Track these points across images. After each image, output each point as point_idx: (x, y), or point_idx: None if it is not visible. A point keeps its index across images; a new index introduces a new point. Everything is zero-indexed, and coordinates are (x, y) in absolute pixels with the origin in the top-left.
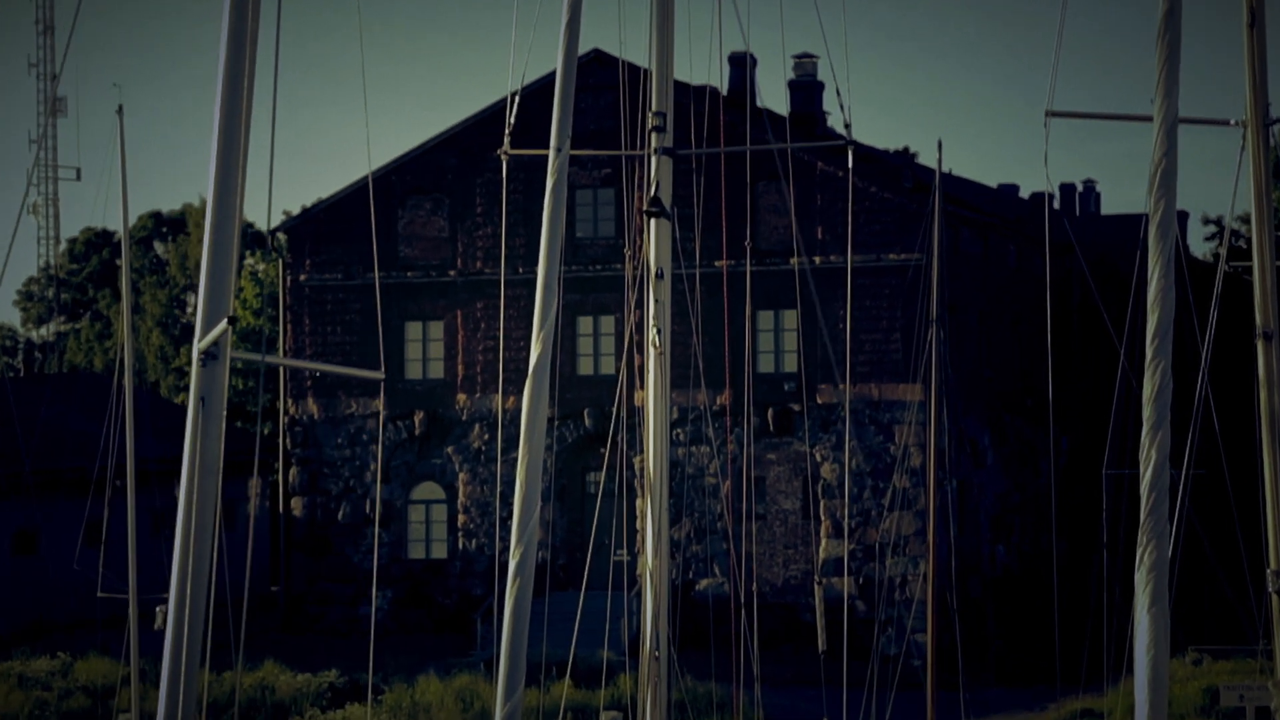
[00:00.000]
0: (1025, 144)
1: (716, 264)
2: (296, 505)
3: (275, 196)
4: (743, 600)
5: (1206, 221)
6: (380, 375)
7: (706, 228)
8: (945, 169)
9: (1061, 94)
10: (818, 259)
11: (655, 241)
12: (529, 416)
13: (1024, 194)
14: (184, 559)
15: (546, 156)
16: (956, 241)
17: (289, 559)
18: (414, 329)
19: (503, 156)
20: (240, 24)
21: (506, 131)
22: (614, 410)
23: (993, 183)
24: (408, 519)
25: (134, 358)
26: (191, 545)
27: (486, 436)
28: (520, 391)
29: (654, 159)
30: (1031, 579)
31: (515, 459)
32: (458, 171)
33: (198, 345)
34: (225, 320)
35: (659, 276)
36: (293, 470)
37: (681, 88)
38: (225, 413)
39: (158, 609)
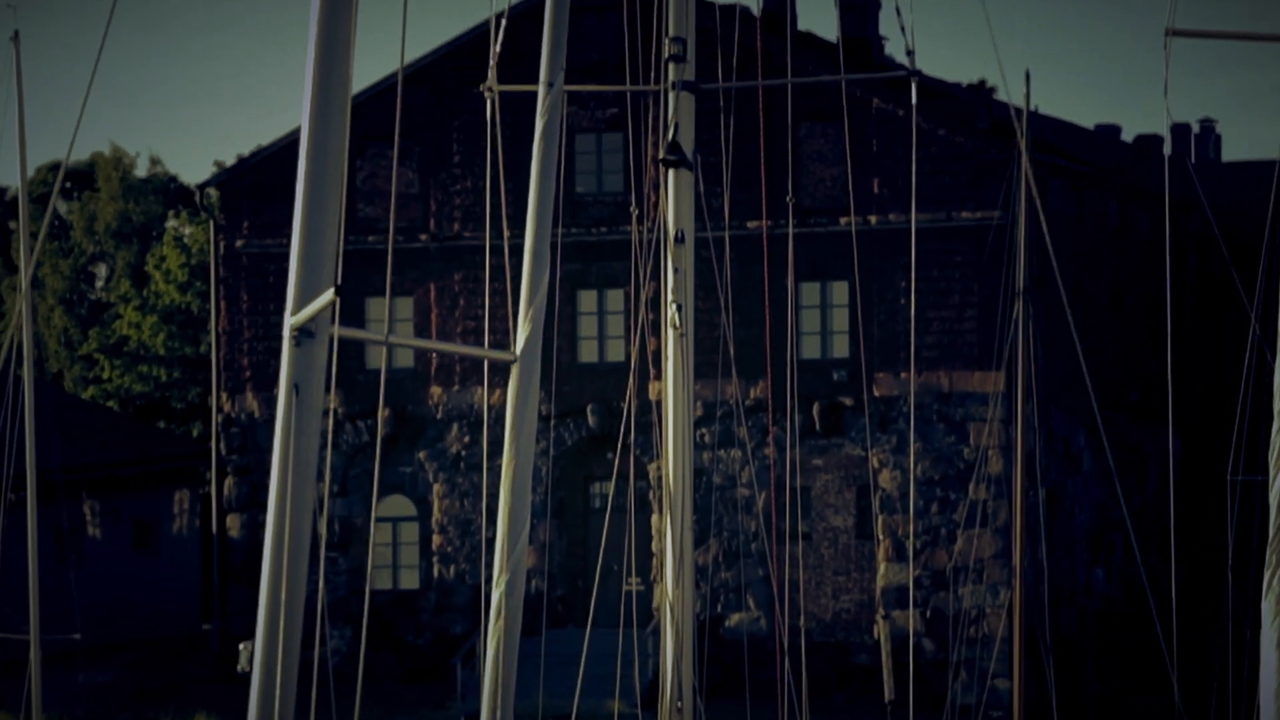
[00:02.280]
0: (1130, 74)
1: (751, 225)
2: (233, 525)
3: (208, 144)
4: (785, 639)
5: None
6: (511, 357)
7: (737, 180)
8: (1032, 106)
9: (1182, 10)
10: (874, 218)
11: (674, 198)
12: (515, 413)
13: (1127, 137)
14: (274, 588)
15: (538, 92)
16: (1045, 196)
17: (224, 591)
18: (376, 307)
19: (487, 94)
20: None
21: (491, 62)
22: (624, 406)
23: (1089, 123)
24: (370, 541)
25: (33, 344)
26: (285, 572)
27: (467, 438)
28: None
29: (672, 95)
30: (1138, 611)
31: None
32: (429, 112)
33: (290, 320)
34: (330, 289)
35: (679, 241)
36: (228, 481)
37: (706, 7)
38: (321, 402)
39: (242, 646)
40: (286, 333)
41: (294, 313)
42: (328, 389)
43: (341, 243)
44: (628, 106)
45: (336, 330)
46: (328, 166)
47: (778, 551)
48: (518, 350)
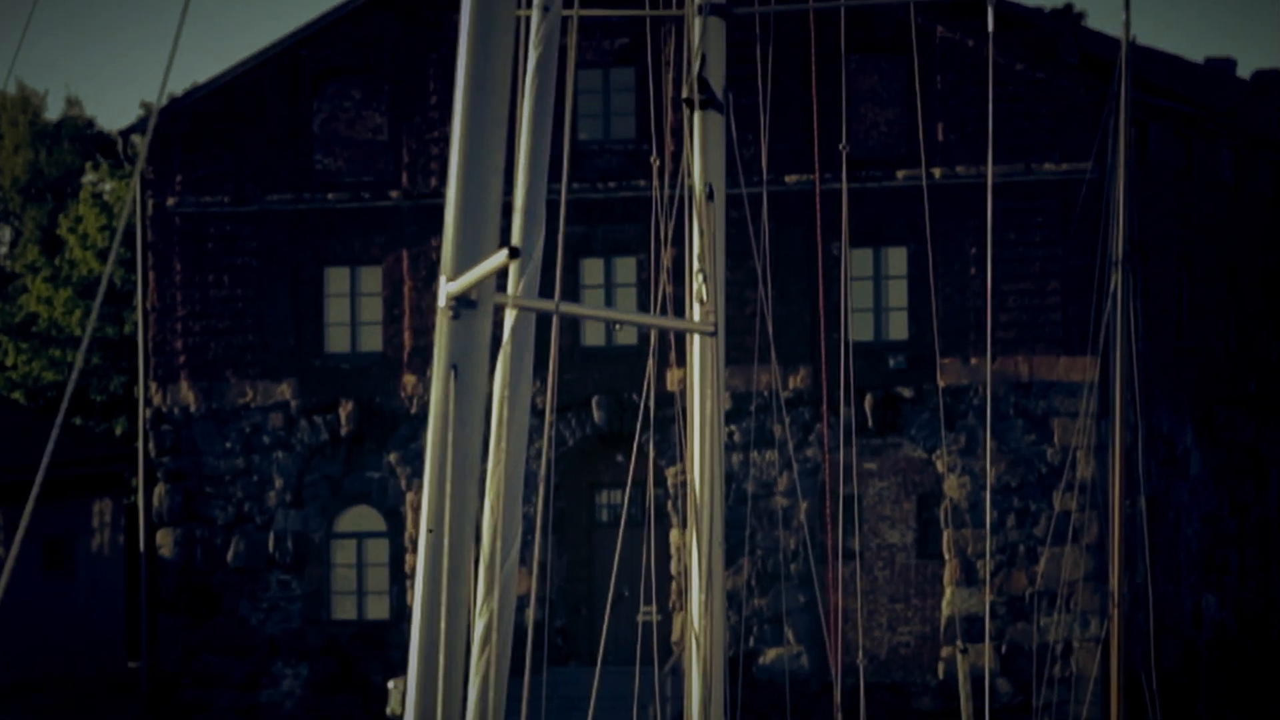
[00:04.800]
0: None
1: (789, 179)
2: (165, 542)
3: (133, 81)
4: (837, 679)
5: None
6: (709, 328)
7: (775, 125)
8: (1130, 36)
9: None
10: (938, 171)
11: (701, 146)
12: (502, 406)
13: (1243, 73)
14: (431, 614)
15: (530, 19)
16: (1144, 145)
17: (154, 621)
18: (337, 278)
19: None
20: None
21: None
22: (642, 398)
23: (1197, 57)
24: (331, 560)
25: None
26: (444, 596)
27: None
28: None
29: (698, 21)
30: (1258, 643)
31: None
32: (400, 43)
33: (447, 288)
34: (504, 250)
35: (708, 198)
36: (159, 489)
37: None
38: (485, 387)
39: (392, 684)
40: (442, 302)
41: (452, 278)
42: (492, 370)
43: (500, 184)
44: (646, 35)
45: (511, 299)
46: (492, 96)
47: (822, 573)
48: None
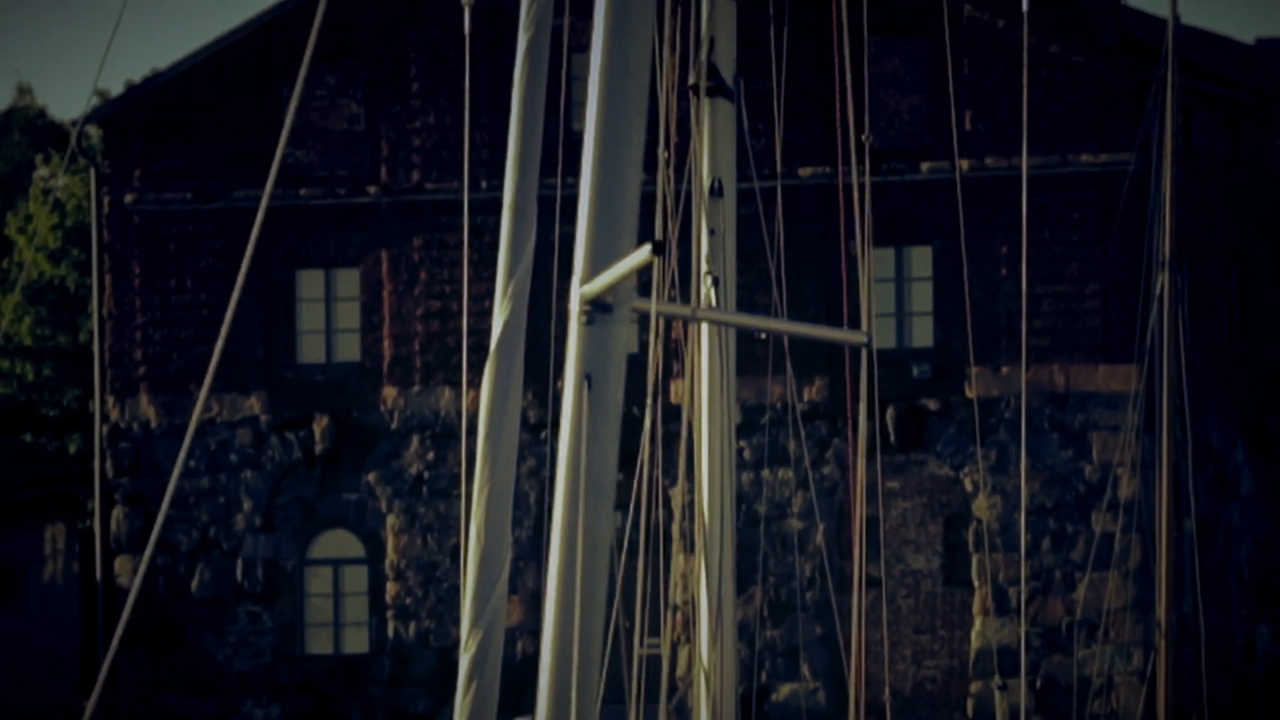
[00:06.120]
0: None
1: (803, 172)
2: (123, 569)
3: (88, 67)
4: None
5: None
6: (862, 339)
7: (787, 114)
8: (1175, 15)
9: None
10: (965, 163)
11: (710, 137)
12: (490, 422)
13: None
14: (562, 649)
15: None
16: (1189, 133)
17: (112, 656)
18: (310, 281)
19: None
20: None
21: None
22: (644, 413)
23: (1248, 37)
24: (305, 590)
25: None
26: (576, 630)
27: (431, 455)
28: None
29: (706, 0)
30: None
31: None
32: (381, 25)
33: (580, 290)
34: (647, 247)
35: (716, 194)
36: (116, 513)
37: None
38: (620, 400)
39: None
40: (575, 306)
41: (586, 279)
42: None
43: (637, 178)
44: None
45: (655, 305)
46: (630, 78)
47: (841, 602)
48: (494, 338)
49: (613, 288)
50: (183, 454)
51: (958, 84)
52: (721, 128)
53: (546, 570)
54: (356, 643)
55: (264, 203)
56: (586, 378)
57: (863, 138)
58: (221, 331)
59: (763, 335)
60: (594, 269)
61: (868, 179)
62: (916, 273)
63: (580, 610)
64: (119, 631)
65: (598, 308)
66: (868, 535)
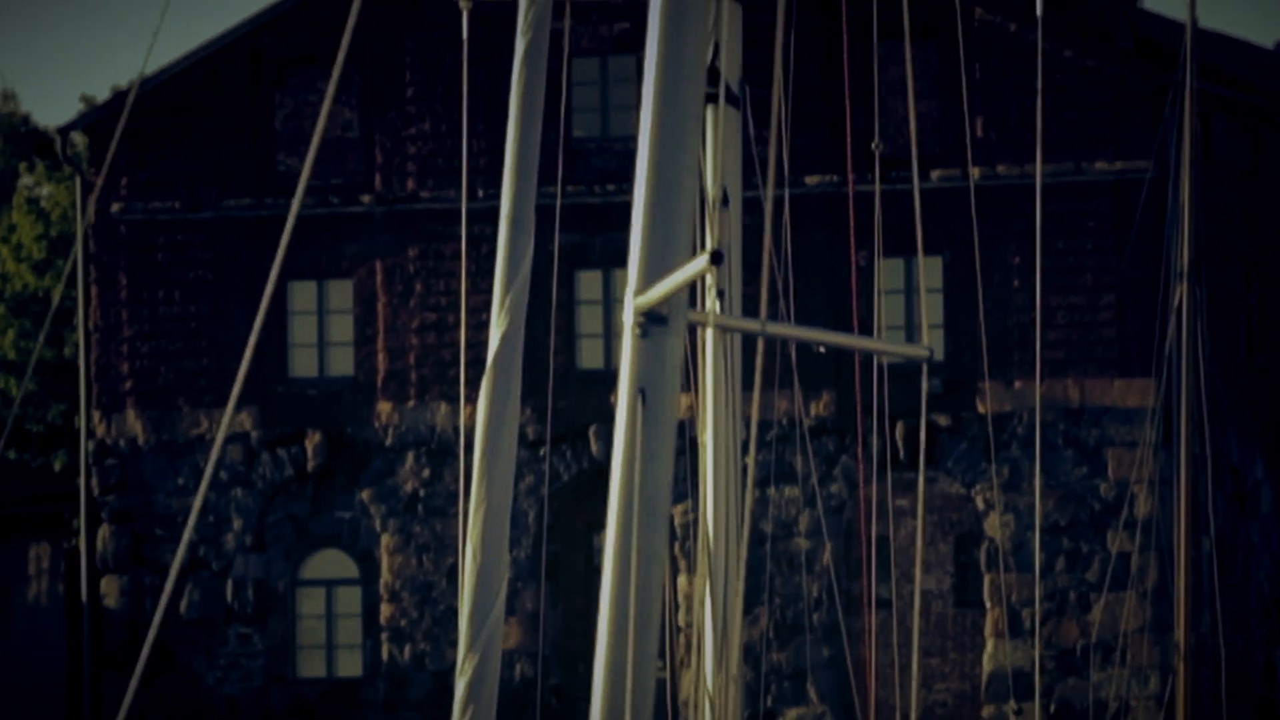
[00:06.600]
0: None
1: (810, 180)
2: (110, 590)
3: (73, 73)
4: None
5: None
6: (924, 352)
7: (796, 121)
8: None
9: None
10: (977, 171)
11: (715, 146)
12: (488, 438)
13: None
14: (615, 675)
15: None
16: (1207, 140)
17: (97, 679)
18: (302, 293)
19: (464, 3)
20: None
21: None
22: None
23: (1267, 40)
24: (296, 611)
25: None
26: (630, 654)
27: (427, 472)
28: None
29: (711, 2)
30: None
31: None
32: (374, 29)
33: (633, 301)
34: (705, 256)
35: (722, 204)
36: (103, 531)
37: None
38: (675, 415)
39: None
40: (629, 319)
41: (640, 290)
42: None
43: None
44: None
45: (712, 316)
46: (685, 82)
47: (850, 624)
48: (491, 352)
49: (667, 299)
50: (209, 471)
51: (969, 89)
52: (727, 138)
53: (600, 590)
54: (350, 666)
55: (294, 213)
56: (640, 392)
57: (872, 146)
58: (246, 353)
59: (822, 349)
60: (648, 280)
61: (877, 187)
62: (926, 284)
63: (635, 630)
64: (143, 654)
65: (652, 320)
66: (878, 555)
